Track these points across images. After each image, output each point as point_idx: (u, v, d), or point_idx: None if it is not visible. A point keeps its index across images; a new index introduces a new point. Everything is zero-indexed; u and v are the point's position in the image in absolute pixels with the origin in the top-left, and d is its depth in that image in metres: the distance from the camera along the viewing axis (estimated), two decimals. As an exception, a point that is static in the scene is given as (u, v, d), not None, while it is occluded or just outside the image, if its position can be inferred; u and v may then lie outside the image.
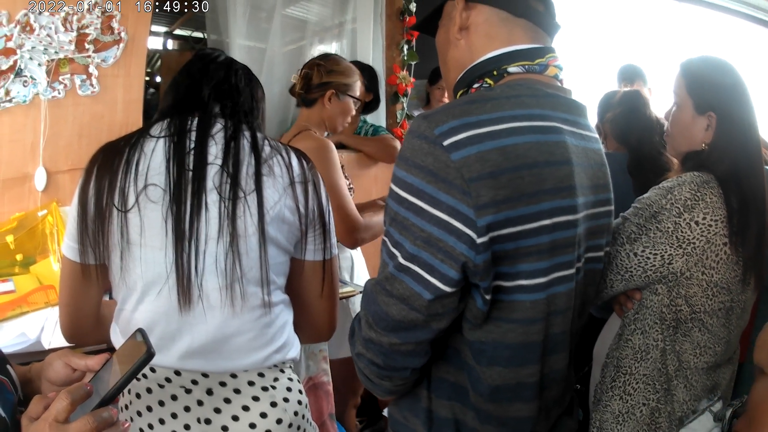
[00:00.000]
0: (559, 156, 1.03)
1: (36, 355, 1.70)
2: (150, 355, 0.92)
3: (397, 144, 3.33)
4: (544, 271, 1.03)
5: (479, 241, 0.95)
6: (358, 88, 2.50)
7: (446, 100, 4.19)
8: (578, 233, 1.08)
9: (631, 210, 1.53)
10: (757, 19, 3.67)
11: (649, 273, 1.47)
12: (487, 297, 1.01)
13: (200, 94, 1.43)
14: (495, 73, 1.11)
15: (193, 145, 1.34)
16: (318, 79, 2.40)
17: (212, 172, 1.32)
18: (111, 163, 1.32)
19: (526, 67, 1.10)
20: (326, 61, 2.47)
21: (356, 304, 2.42)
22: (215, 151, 1.34)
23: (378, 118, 3.56)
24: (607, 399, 1.57)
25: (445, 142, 0.96)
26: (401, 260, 1.00)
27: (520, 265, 1.01)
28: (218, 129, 1.38)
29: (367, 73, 3.36)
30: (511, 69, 1.10)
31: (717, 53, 1.62)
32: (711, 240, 1.44)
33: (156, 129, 1.38)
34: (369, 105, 3.43)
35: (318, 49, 3.51)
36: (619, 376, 1.56)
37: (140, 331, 0.98)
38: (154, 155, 1.33)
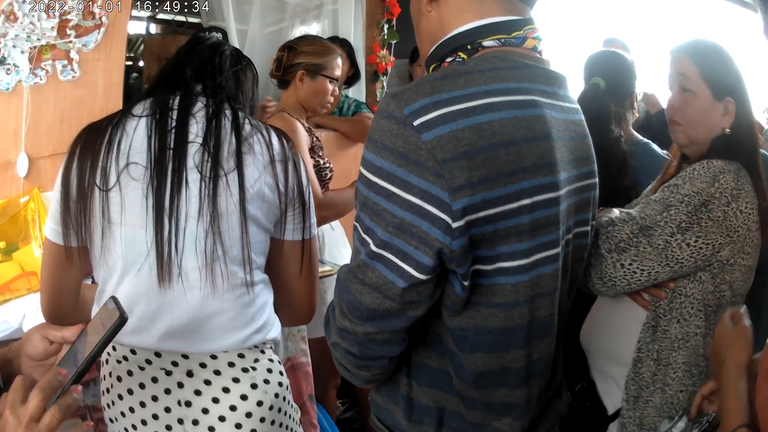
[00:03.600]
0: (539, 131, 0.99)
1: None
2: (123, 319, 0.92)
3: None
4: (525, 253, 0.99)
5: (455, 225, 0.91)
6: (334, 67, 2.50)
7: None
8: (561, 211, 1.04)
9: (677, 197, 1.47)
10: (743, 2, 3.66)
11: (699, 263, 1.48)
12: (466, 283, 0.97)
13: (183, 74, 1.43)
14: (469, 47, 1.05)
15: (174, 124, 1.34)
16: (289, 61, 2.45)
17: (193, 150, 1.32)
18: (93, 142, 1.32)
19: (503, 40, 1.04)
20: (299, 42, 2.50)
21: (327, 288, 2.42)
22: (196, 129, 1.34)
23: (358, 96, 3.55)
24: (647, 394, 1.56)
25: (416, 122, 0.91)
26: (373, 247, 0.97)
27: (500, 248, 0.97)
28: (199, 108, 1.37)
29: (347, 47, 3.35)
30: (486, 43, 1.04)
31: (706, 36, 1.63)
32: (750, 227, 1.49)
33: (138, 108, 1.37)
34: (350, 79, 3.42)
35: (299, 30, 3.49)
36: (660, 369, 1.55)
37: (113, 298, 0.98)
38: (136, 134, 1.33)
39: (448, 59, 1.08)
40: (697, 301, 1.52)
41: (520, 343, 1.05)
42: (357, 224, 1.01)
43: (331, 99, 2.56)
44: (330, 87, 2.52)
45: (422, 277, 0.95)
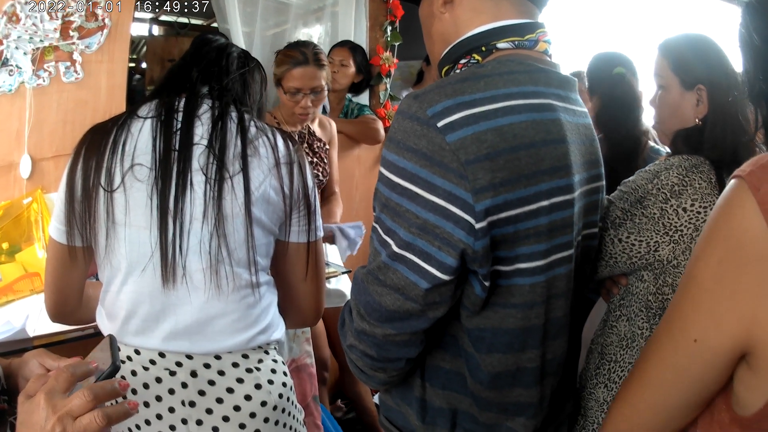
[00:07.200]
0: (555, 134, 1.00)
1: (21, 343, 1.70)
2: (115, 368, 0.89)
3: (379, 125, 3.33)
4: (543, 254, 1.00)
5: (478, 226, 0.92)
6: (288, 79, 2.42)
7: (441, 79, 4.15)
8: (575, 213, 1.05)
9: (616, 193, 1.48)
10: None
11: (634, 260, 1.43)
12: (486, 283, 0.97)
13: (189, 75, 1.43)
14: (483, 48, 1.06)
15: (179, 125, 1.34)
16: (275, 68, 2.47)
17: (198, 152, 1.32)
18: (99, 143, 1.32)
19: (516, 42, 1.06)
20: (282, 49, 2.49)
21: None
22: (201, 131, 1.34)
23: (361, 97, 3.55)
24: (591, 386, 1.54)
25: (439, 124, 0.92)
26: (395, 248, 0.96)
27: (519, 249, 0.98)
28: (205, 110, 1.37)
29: (360, 53, 3.35)
30: (501, 45, 1.05)
31: (695, 30, 1.54)
32: (699, 228, 1.38)
33: (144, 110, 1.37)
34: (358, 86, 3.43)
35: (301, 32, 3.50)
36: (603, 364, 1.53)
37: (110, 337, 0.96)
38: (141, 135, 1.33)
39: (462, 61, 1.09)
40: (640, 301, 1.48)
41: (536, 343, 1.06)
42: (377, 225, 1.01)
43: (299, 110, 2.46)
44: (288, 99, 2.45)
45: (445, 277, 0.94)
